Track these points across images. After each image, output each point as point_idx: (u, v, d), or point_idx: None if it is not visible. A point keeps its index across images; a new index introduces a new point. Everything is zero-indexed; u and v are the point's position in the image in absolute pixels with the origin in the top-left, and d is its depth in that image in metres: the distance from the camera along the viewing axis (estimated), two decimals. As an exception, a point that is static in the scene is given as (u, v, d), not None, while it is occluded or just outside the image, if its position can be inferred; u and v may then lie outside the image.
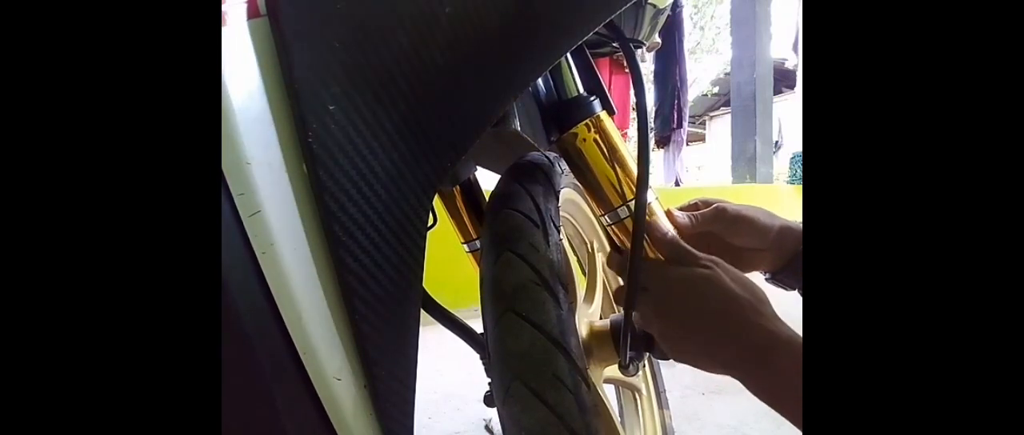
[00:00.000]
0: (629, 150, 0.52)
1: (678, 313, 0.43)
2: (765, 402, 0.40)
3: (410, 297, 0.40)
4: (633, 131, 4.84)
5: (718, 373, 0.43)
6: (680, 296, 0.44)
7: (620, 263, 0.50)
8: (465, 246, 0.72)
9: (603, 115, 0.51)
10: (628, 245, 0.51)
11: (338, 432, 0.36)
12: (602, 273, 0.70)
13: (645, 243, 0.50)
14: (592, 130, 0.50)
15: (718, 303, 0.42)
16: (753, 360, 0.40)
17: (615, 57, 2.39)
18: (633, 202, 0.49)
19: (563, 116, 0.51)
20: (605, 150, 0.50)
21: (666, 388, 0.91)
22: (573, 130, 0.50)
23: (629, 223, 0.50)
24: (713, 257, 0.46)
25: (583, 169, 0.51)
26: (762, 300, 0.42)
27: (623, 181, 0.50)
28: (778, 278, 0.56)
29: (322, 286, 0.35)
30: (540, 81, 0.54)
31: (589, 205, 0.73)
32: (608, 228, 0.53)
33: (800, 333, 0.38)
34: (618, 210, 0.51)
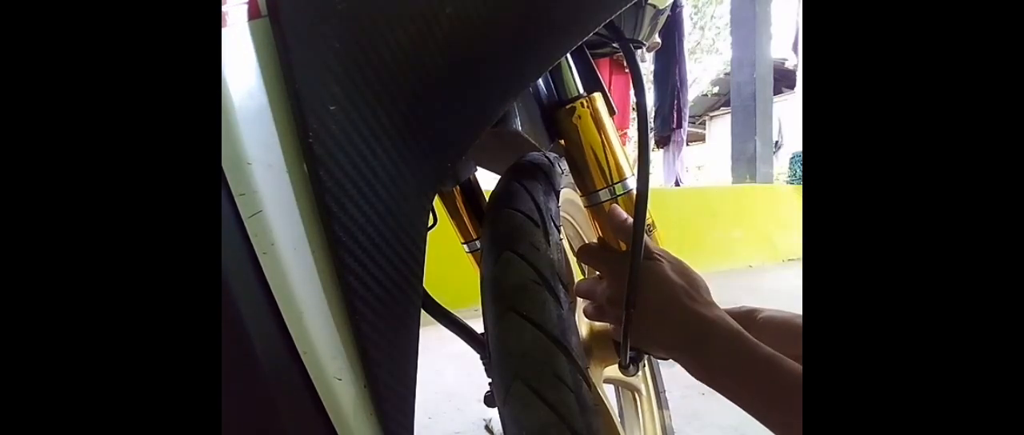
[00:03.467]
0: (623, 145, 0.53)
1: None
2: (702, 380, 0.44)
3: (410, 297, 0.40)
4: (633, 131, 4.84)
5: (663, 355, 0.48)
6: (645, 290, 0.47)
7: (591, 255, 0.53)
8: (465, 246, 0.72)
9: (598, 98, 0.52)
10: (601, 233, 0.54)
11: (338, 432, 0.36)
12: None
13: (605, 230, 0.53)
14: (587, 107, 0.51)
15: (660, 291, 0.46)
16: (691, 339, 0.44)
17: (615, 57, 2.39)
18: (616, 187, 0.52)
19: (563, 103, 0.52)
20: (597, 130, 0.51)
21: (666, 388, 0.91)
22: (569, 106, 0.51)
23: (608, 207, 0.52)
24: (663, 250, 0.50)
25: (574, 147, 0.52)
26: (699, 288, 0.47)
27: (610, 165, 0.51)
28: None
29: (323, 286, 0.35)
30: (540, 81, 0.55)
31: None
32: (587, 210, 0.54)
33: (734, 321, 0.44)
34: (599, 193, 0.52)
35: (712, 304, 0.46)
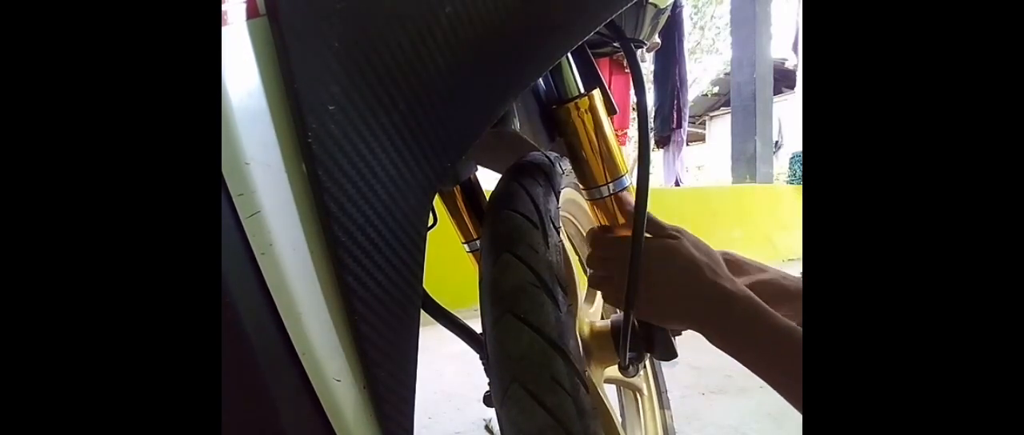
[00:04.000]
0: (623, 145, 0.54)
1: (649, 276, 0.48)
2: (724, 350, 0.46)
3: (410, 297, 0.40)
4: (633, 131, 4.84)
5: (683, 327, 0.50)
6: (653, 261, 0.48)
7: (595, 237, 0.54)
8: (465, 246, 0.72)
9: (599, 96, 0.52)
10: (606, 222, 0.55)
11: (338, 433, 0.36)
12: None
13: (619, 219, 0.53)
14: (592, 101, 0.52)
15: (683, 266, 0.48)
16: (715, 312, 0.46)
17: (615, 57, 2.39)
18: (611, 184, 0.52)
19: (564, 101, 0.53)
20: (600, 127, 0.52)
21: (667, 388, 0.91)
22: (573, 103, 0.51)
23: (611, 202, 0.53)
24: (678, 226, 0.51)
25: (576, 142, 0.52)
26: (719, 263, 0.49)
27: (612, 160, 0.52)
28: None
29: (322, 287, 0.35)
30: (540, 81, 0.55)
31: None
32: (590, 204, 0.55)
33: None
34: (601, 188, 0.53)
35: (733, 278, 0.48)
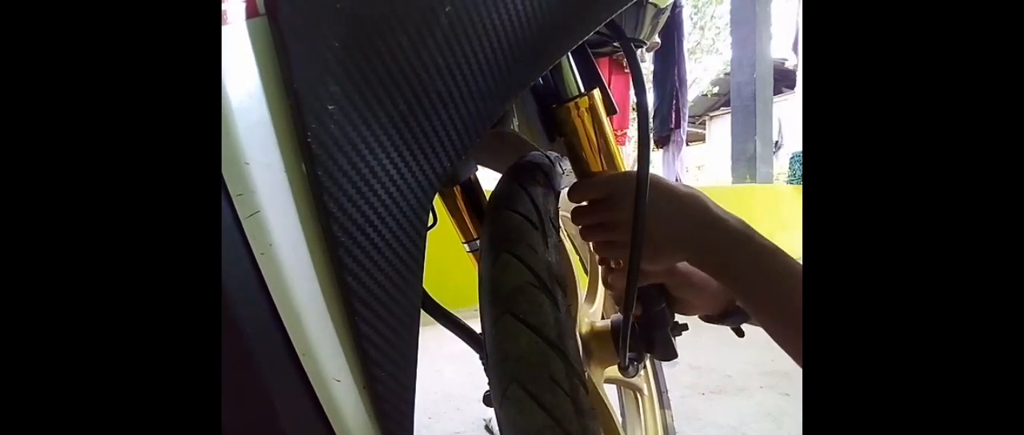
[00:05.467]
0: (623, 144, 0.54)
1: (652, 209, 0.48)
2: (721, 279, 0.47)
3: (410, 297, 0.40)
4: (633, 131, 4.84)
5: (676, 256, 0.50)
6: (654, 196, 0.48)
7: (586, 184, 0.53)
8: (465, 246, 0.72)
9: (598, 96, 0.53)
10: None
11: (338, 433, 0.36)
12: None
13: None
14: (590, 101, 0.52)
15: (676, 192, 0.49)
16: (711, 237, 0.47)
17: (615, 57, 2.39)
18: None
19: (564, 100, 0.53)
20: (600, 126, 0.52)
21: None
22: (573, 103, 0.52)
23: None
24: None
25: (576, 142, 0.52)
26: (714, 202, 0.50)
27: (611, 160, 0.52)
28: (712, 320, 0.60)
29: (321, 287, 0.35)
30: (540, 80, 0.55)
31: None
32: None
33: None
34: None
35: (731, 214, 0.49)
